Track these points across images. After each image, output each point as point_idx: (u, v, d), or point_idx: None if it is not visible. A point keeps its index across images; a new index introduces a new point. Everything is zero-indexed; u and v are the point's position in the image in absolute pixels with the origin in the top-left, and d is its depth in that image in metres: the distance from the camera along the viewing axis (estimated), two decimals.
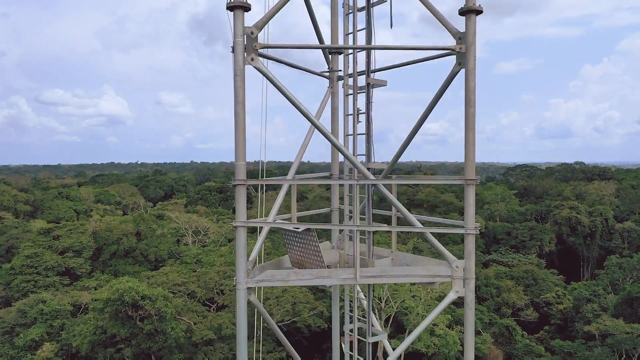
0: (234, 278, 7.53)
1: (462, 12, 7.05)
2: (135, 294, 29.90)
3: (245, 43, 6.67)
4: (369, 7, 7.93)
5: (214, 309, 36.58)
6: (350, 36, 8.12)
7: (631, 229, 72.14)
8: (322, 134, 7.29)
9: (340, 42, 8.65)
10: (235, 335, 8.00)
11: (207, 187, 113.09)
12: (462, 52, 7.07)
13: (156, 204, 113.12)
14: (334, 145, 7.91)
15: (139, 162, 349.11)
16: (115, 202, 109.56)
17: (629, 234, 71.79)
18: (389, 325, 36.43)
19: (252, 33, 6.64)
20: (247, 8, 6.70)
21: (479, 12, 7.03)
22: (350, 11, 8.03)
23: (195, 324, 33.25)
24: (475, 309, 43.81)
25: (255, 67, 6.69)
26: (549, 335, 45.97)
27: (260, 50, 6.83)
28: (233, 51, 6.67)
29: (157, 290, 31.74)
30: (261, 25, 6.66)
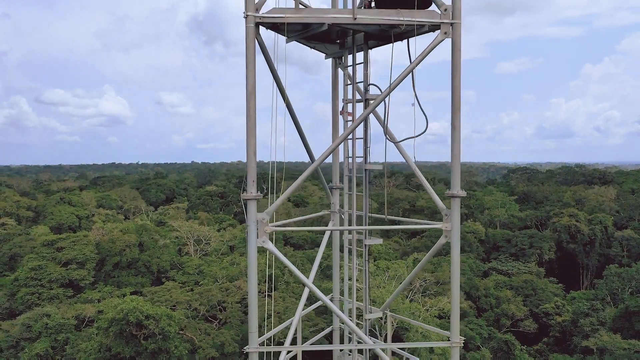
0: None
1: (447, 196, 7.99)
2: (139, 314, 30.36)
3: (257, 228, 7.22)
4: (366, 177, 8.60)
5: (216, 325, 37.04)
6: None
7: (630, 237, 72.50)
8: (321, 300, 7.96)
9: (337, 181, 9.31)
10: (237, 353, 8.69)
11: (208, 191, 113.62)
12: (448, 230, 8.04)
13: (157, 208, 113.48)
14: (333, 312, 8.64)
15: (140, 163, 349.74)
16: (117, 207, 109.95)
17: (628, 242, 72.16)
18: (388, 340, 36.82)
19: (263, 219, 7.15)
20: (258, 197, 7.22)
21: (461, 196, 8.00)
22: (349, 174, 8.57)
23: (198, 340, 33.71)
24: (475, 322, 44.33)
25: (265, 247, 7.19)
26: (548, 348, 46.43)
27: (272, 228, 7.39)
28: (247, 235, 7.17)
29: (160, 309, 32.18)
30: (271, 211, 7.16)
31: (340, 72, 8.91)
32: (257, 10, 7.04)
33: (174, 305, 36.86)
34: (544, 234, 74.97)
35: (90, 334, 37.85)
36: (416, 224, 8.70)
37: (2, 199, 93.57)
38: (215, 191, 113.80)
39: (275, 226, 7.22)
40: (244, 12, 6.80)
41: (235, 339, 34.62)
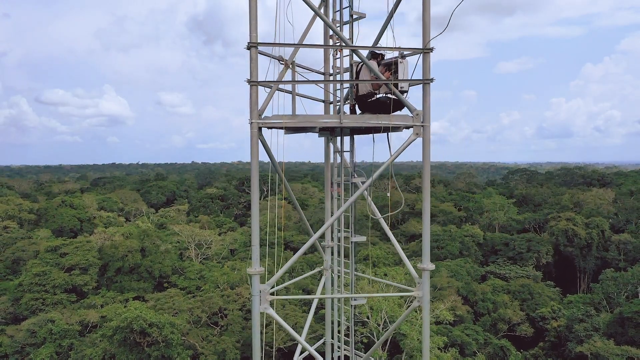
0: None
1: (418, 269, 9.04)
2: (143, 322, 31.09)
3: (260, 297, 8.06)
4: (352, 248, 9.49)
5: (217, 331, 37.78)
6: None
7: (627, 241, 73.10)
8: (311, 354, 8.83)
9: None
10: None
11: (209, 194, 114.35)
12: (420, 297, 9.01)
13: (158, 210, 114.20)
14: None
15: (140, 163, 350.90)
16: (118, 209, 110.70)
17: (625, 246, 72.79)
18: (386, 347, 37.63)
19: (265, 289, 7.95)
20: (261, 272, 8.01)
21: (430, 269, 9.02)
22: (338, 242, 9.39)
23: (200, 347, 34.44)
24: (471, 328, 45.07)
25: (267, 313, 7.99)
26: (544, 352, 47.16)
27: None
28: (252, 303, 7.93)
29: (163, 317, 32.92)
30: (272, 282, 7.93)
31: (332, 145, 9.78)
32: (260, 115, 7.97)
33: (176, 313, 37.60)
34: (542, 238, 75.69)
35: (94, 339, 38.60)
36: (395, 289, 9.82)
37: (4, 202, 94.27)
38: (215, 193, 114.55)
39: (275, 295, 7.99)
40: (248, 119, 7.66)
41: (236, 346, 35.37)
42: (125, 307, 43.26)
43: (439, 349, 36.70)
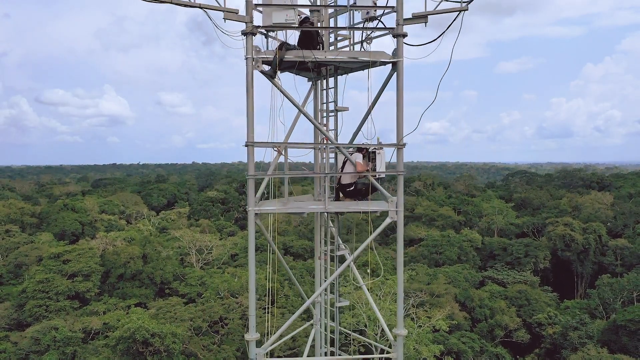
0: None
1: (393, 334, 10.15)
2: (145, 332, 31.84)
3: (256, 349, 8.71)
4: (337, 312, 10.36)
5: (218, 340, 38.53)
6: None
7: (624, 246, 73.77)
8: None
9: None
10: None
11: (210, 197, 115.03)
12: (395, 358, 10.00)
13: (159, 213, 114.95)
14: None
15: (141, 163, 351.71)
16: (119, 212, 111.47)
17: (622, 251, 73.45)
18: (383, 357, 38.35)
19: (260, 353, 8.68)
20: (257, 339, 8.75)
21: (403, 335, 9.97)
22: (325, 305, 10.15)
23: (201, 355, 35.18)
24: (467, 336, 45.70)
25: None
26: (539, 359, 47.87)
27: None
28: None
29: (165, 327, 33.66)
30: (267, 346, 8.68)
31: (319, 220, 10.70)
32: (256, 204, 8.96)
33: (178, 322, 38.30)
34: (540, 242, 76.34)
35: (97, 347, 39.34)
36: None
37: (6, 206, 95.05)
38: (216, 197, 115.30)
39: (269, 357, 8.76)
40: (247, 206, 8.54)
41: (236, 355, 36.12)
42: (127, 313, 44.02)
43: (435, 357, 37.39)
